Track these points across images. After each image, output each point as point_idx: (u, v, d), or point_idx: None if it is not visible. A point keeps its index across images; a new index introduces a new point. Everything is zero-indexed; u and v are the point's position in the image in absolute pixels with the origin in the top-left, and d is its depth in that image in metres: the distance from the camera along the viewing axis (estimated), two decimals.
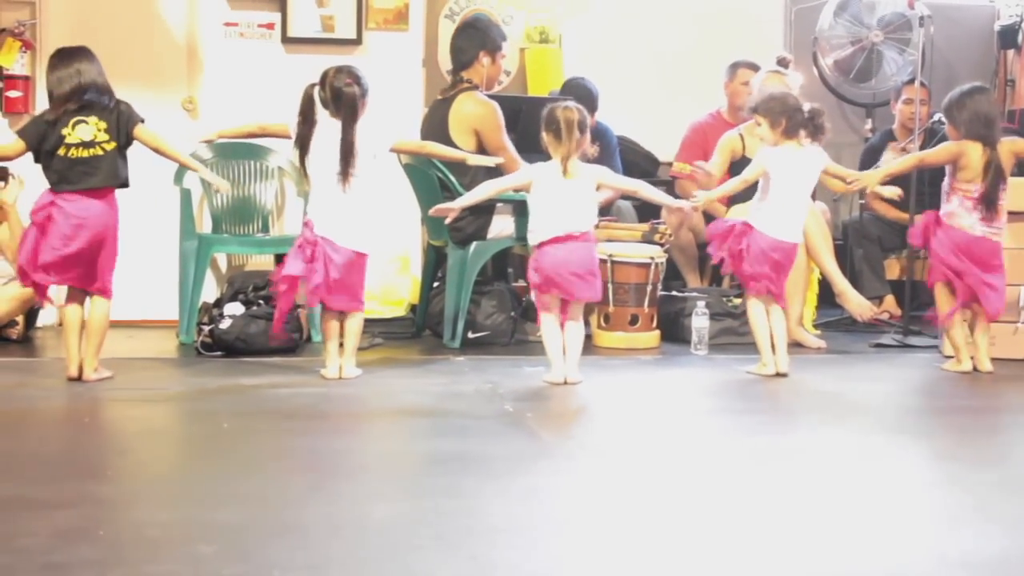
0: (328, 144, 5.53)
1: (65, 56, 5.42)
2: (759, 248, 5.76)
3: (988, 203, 5.98)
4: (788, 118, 5.80)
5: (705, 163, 6.43)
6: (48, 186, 5.41)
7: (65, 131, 5.33)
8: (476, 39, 6.84)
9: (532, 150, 6.26)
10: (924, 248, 6.30)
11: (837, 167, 6.09)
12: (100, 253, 5.41)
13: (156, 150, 5.57)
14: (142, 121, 5.47)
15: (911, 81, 7.83)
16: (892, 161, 6.92)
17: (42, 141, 5.37)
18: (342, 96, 5.52)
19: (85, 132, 5.34)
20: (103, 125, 5.37)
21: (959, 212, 6.03)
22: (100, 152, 5.37)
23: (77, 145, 5.34)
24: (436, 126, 6.68)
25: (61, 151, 5.34)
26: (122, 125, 5.41)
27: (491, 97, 6.73)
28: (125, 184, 5.46)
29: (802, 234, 5.98)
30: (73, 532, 3.27)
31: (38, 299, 5.64)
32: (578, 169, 5.58)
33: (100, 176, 5.37)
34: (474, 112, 6.62)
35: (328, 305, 5.56)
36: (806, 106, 5.87)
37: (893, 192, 6.15)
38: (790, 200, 5.82)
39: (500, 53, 6.89)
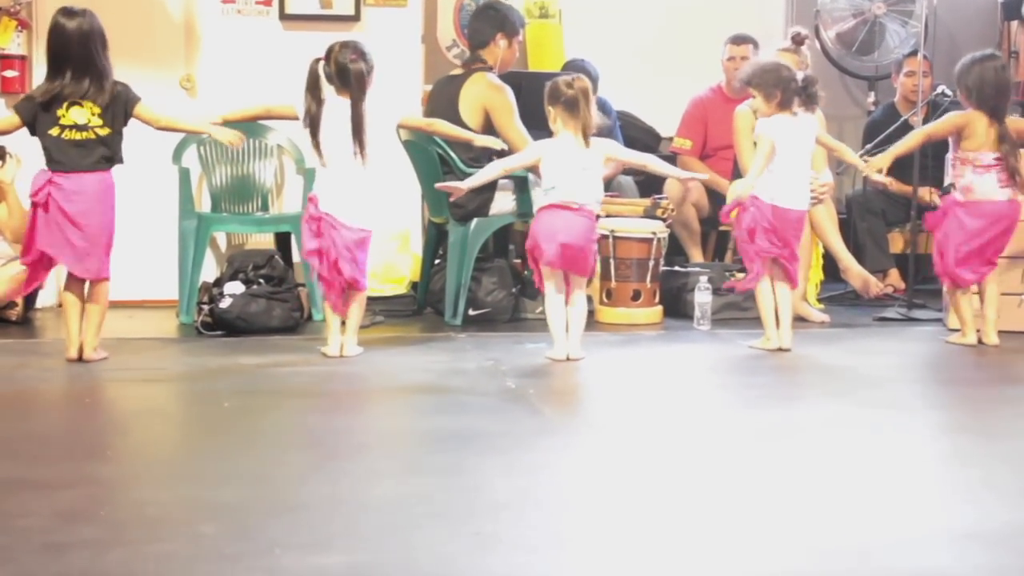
0: (336, 121, 5.50)
1: (64, 32, 5.34)
2: (765, 218, 5.72)
3: (1012, 173, 5.94)
4: (783, 90, 5.76)
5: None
6: (44, 164, 5.38)
7: (60, 112, 5.30)
8: (495, 20, 6.84)
9: (532, 126, 6.24)
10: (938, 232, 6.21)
11: (827, 137, 6.05)
12: (98, 231, 5.37)
13: (160, 127, 5.54)
14: (139, 100, 5.43)
15: (913, 54, 7.78)
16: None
17: (36, 118, 5.34)
18: (349, 72, 5.49)
19: (79, 115, 5.31)
20: (97, 110, 5.32)
21: (977, 183, 5.98)
22: (92, 136, 5.32)
23: (71, 127, 5.31)
24: (445, 103, 6.66)
25: (55, 131, 5.31)
26: (119, 108, 5.37)
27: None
28: (119, 161, 5.43)
29: (807, 203, 5.93)
30: (73, 512, 3.25)
31: (31, 278, 5.57)
32: (586, 143, 5.54)
33: (92, 159, 5.33)
34: (486, 93, 6.60)
35: (332, 280, 5.53)
36: (799, 75, 5.83)
37: (884, 181, 6.10)
38: (791, 168, 5.78)
39: (517, 38, 6.89)
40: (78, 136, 5.31)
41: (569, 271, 5.50)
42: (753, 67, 6.00)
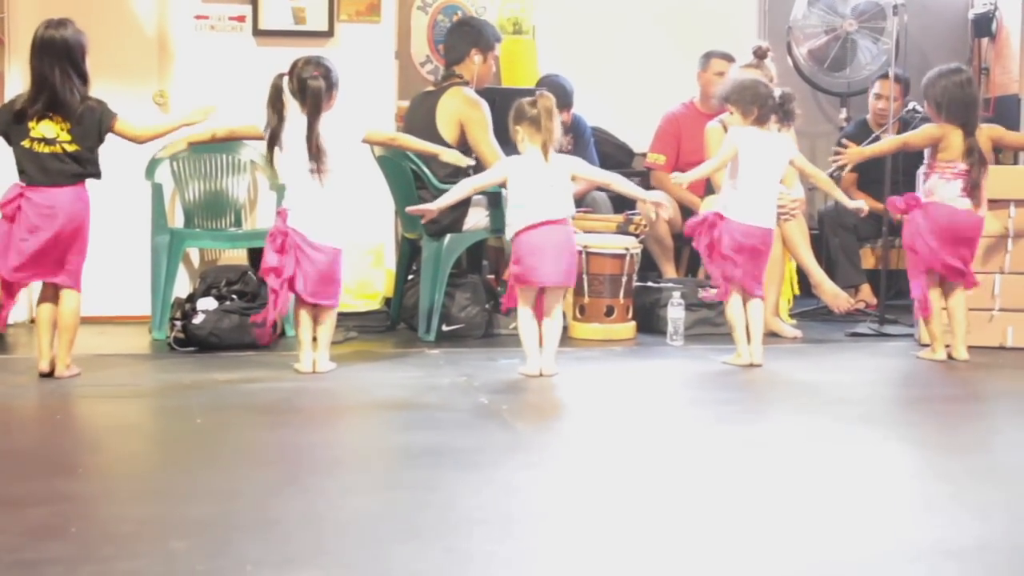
0: (298, 137, 5.51)
1: (38, 47, 5.34)
2: (732, 237, 5.75)
3: (974, 186, 5.98)
4: (759, 106, 5.79)
5: (681, 174, 6.39)
6: (15, 177, 5.38)
7: (31, 124, 5.30)
8: (470, 36, 6.87)
9: (505, 141, 6.24)
10: (901, 217, 6.23)
11: (804, 162, 6.05)
12: (70, 245, 5.37)
13: (144, 140, 5.57)
14: (116, 116, 5.42)
15: (885, 75, 7.82)
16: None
17: (8, 129, 5.34)
18: (307, 89, 5.49)
19: (48, 129, 5.31)
20: (66, 126, 5.32)
21: (939, 186, 6.03)
22: (59, 151, 5.32)
23: (40, 140, 5.31)
24: (422, 117, 6.68)
25: (25, 143, 5.31)
26: (91, 127, 5.35)
27: None
28: (94, 176, 5.42)
29: (775, 220, 5.95)
30: (44, 529, 3.24)
31: (5, 299, 5.53)
32: (554, 158, 5.56)
33: (59, 174, 5.32)
34: (462, 107, 6.61)
35: (302, 299, 5.53)
36: (776, 92, 5.86)
37: (861, 207, 6.10)
38: (760, 184, 5.81)
39: (492, 53, 6.91)
40: (46, 150, 5.31)
41: (551, 284, 5.51)
42: (731, 84, 6.02)
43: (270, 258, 5.51)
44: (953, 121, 6.01)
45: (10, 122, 5.33)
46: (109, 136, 5.46)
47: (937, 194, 6.04)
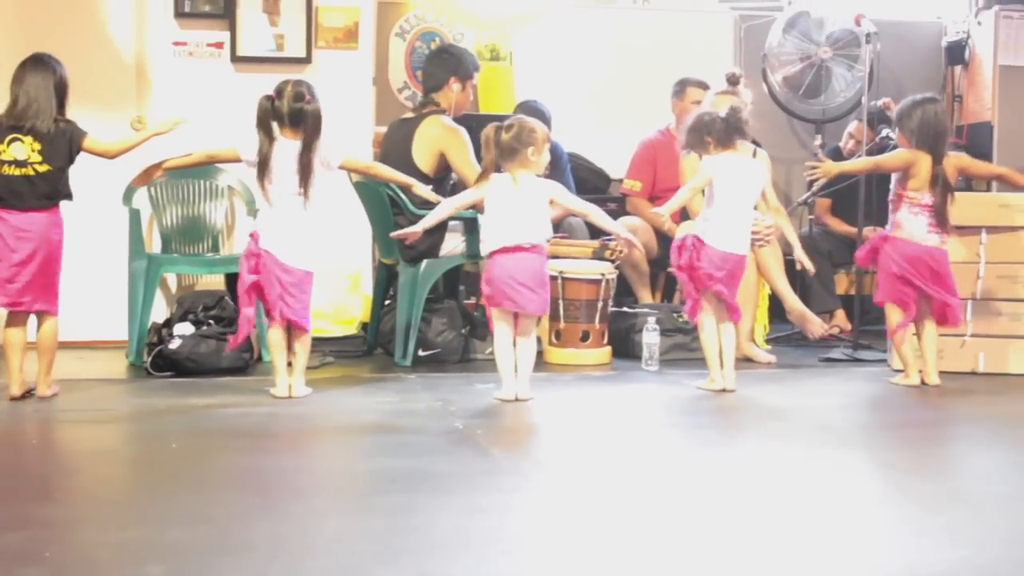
0: (283, 160, 5.53)
1: (27, 67, 5.43)
2: (710, 261, 5.79)
3: (939, 216, 6.04)
4: (708, 133, 5.84)
5: (661, 208, 6.42)
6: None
7: (2, 147, 5.34)
8: (448, 64, 6.91)
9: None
10: (871, 266, 6.34)
11: (772, 196, 6.14)
12: (44, 268, 5.40)
13: (113, 155, 5.58)
14: (86, 134, 5.47)
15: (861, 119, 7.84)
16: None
17: None
18: (305, 113, 5.52)
19: (19, 151, 5.35)
20: (37, 146, 5.37)
21: (907, 220, 6.08)
22: (31, 172, 5.37)
23: (10, 163, 5.36)
24: (398, 144, 6.71)
25: None
26: (61, 146, 5.41)
27: None
28: (67, 197, 5.46)
29: (748, 246, 6.00)
30: (18, 554, 3.25)
31: None
32: (530, 182, 5.59)
33: (29, 197, 5.38)
34: (440, 135, 6.64)
35: (273, 317, 5.54)
36: (720, 112, 5.90)
37: (809, 266, 6.18)
38: (735, 209, 5.86)
39: (471, 82, 6.95)
40: (17, 172, 5.36)
41: (525, 311, 5.53)
42: (682, 133, 6.10)
43: (248, 277, 5.53)
44: (923, 148, 6.07)
45: None
46: (86, 161, 5.50)
47: (905, 228, 6.09)
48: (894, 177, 6.22)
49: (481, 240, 5.65)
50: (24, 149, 5.36)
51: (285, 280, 5.52)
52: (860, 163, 6.53)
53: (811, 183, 6.63)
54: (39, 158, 5.37)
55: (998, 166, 7.32)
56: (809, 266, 6.17)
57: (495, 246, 5.54)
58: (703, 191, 5.96)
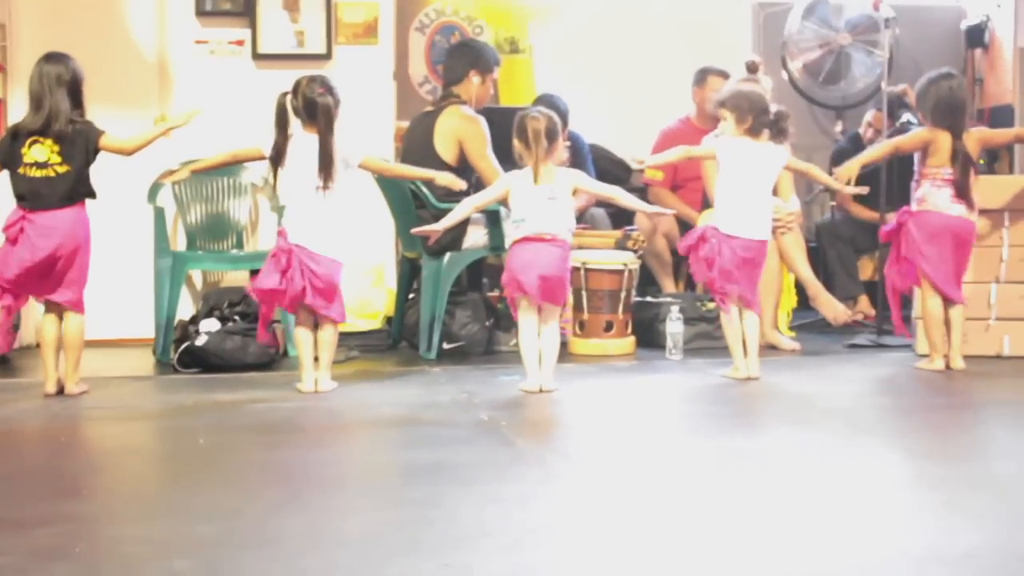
0: (303, 155, 5.55)
1: (41, 67, 5.48)
2: (729, 249, 5.79)
3: (961, 191, 6.03)
4: (754, 117, 5.83)
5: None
6: (15, 202, 5.49)
7: (24, 150, 5.41)
8: (469, 57, 6.93)
9: (505, 160, 6.30)
10: (890, 242, 6.30)
11: (796, 162, 6.10)
12: (69, 265, 5.46)
13: (131, 151, 5.62)
14: (103, 133, 5.52)
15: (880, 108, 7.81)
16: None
17: (7, 157, 5.46)
18: (316, 106, 5.54)
19: (39, 153, 5.42)
20: (56, 148, 5.43)
21: (930, 194, 6.07)
22: (52, 174, 5.43)
23: (32, 165, 5.42)
24: (420, 137, 6.75)
25: (20, 169, 5.44)
26: (79, 146, 5.47)
27: None
28: (89, 196, 5.52)
29: (770, 232, 5.99)
30: (49, 550, 3.28)
31: (5, 316, 5.61)
32: (553, 174, 5.61)
33: (51, 198, 5.44)
34: (459, 125, 6.67)
35: (312, 308, 5.56)
36: (772, 107, 5.90)
37: (861, 190, 6.16)
38: (751, 196, 5.86)
39: (491, 75, 6.96)
40: (38, 173, 5.42)
41: (546, 302, 5.56)
42: (731, 90, 6.07)
43: (270, 279, 5.55)
44: (941, 124, 6.06)
45: (8, 149, 5.43)
46: (111, 161, 5.55)
47: (929, 201, 6.08)
48: (916, 158, 6.20)
49: (507, 235, 5.69)
50: (44, 151, 5.42)
51: (318, 270, 5.53)
52: (880, 149, 6.49)
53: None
54: (59, 159, 5.43)
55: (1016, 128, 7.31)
56: (838, 185, 6.16)
57: (517, 236, 5.56)
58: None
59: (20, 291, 5.52)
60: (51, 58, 5.49)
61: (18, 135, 5.45)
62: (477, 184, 6.51)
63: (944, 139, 6.06)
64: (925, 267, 6.08)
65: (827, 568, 3.13)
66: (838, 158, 8.04)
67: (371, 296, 7.26)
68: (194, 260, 7.10)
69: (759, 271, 5.91)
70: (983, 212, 6.29)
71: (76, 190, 5.47)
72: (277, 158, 5.59)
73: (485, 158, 6.57)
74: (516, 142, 5.62)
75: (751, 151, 5.85)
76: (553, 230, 5.55)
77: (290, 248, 5.54)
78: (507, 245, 5.69)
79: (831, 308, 7.08)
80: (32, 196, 5.43)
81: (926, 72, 6.36)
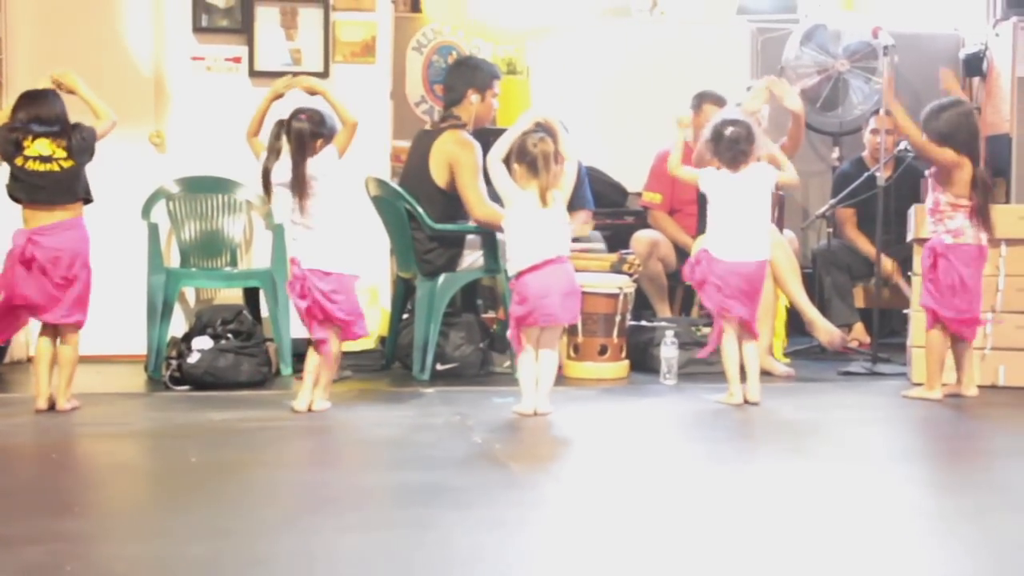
0: (286, 179, 5.56)
1: (33, 94, 5.53)
2: (718, 274, 5.80)
3: (984, 218, 5.99)
4: (721, 152, 5.89)
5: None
6: (16, 225, 5.49)
7: (26, 143, 5.40)
8: (465, 76, 6.89)
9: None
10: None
11: (781, 164, 6.08)
12: (77, 286, 5.47)
13: (104, 128, 5.62)
14: (92, 127, 5.58)
15: (879, 111, 7.86)
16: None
17: (6, 147, 5.46)
18: (291, 130, 5.56)
19: (43, 147, 5.42)
20: (62, 142, 5.46)
21: (965, 227, 6.02)
22: (56, 168, 5.44)
23: (35, 159, 5.42)
24: (417, 159, 6.74)
25: (19, 162, 5.43)
26: (76, 143, 5.48)
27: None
28: (87, 194, 5.55)
29: (765, 254, 5.97)
30: (40, 568, 3.25)
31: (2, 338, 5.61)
32: (555, 196, 5.60)
33: (53, 193, 5.43)
34: (452, 151, 6.64)
35: (340, 325, 5.59)
36: (727, 131, 5.89)
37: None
38: (738, 221, 5.87)
39: (491, 91, 6.91)
40: (42, 167, 5.44)
41: (560, 323, 5.61)
42: (711, 124, 6.08)
43: (300, 302, 5.56)
44: (962, 151, 6.02)
45: (7, 139, 5.44)
46: (106, 176, 5.54)
47: (967, 234, 6.03)
48: (931, 184, 6.13)
49: (508, 259, 5.67)
50: (48, 146, 5.42)
51: (330, 288, 5.53)
52: (914, 128, 6.23)
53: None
54: (64, 154, 5.45)
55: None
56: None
57: (523, 266, 5.54)
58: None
59: (33, 313, 5.52)
60: (36, 95, 5.57)
61: (18, 131, 5.44)
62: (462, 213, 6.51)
63: (967, 168, 6.02)
64: (961, 305, 6.04)
65: None
66: (840, 182, 8.08)
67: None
68: (188, 277, 7.07)
69: (758, 294, 5.90)
70: None
71: (78, 187, 5.49)
72: (264, 178, 5.60)
73: (471, 187, 6.52)
74: (517, 166, 5.59)
75: (730, 182, 5.87)
76: (561, 251, 5.57)
77: (303, 275, 5.53)
78: (509, 270, 5.65)
79: (826, 332, 7.05)
80: (33, 191, 5.41)
81: (923, 99, 6.39)
